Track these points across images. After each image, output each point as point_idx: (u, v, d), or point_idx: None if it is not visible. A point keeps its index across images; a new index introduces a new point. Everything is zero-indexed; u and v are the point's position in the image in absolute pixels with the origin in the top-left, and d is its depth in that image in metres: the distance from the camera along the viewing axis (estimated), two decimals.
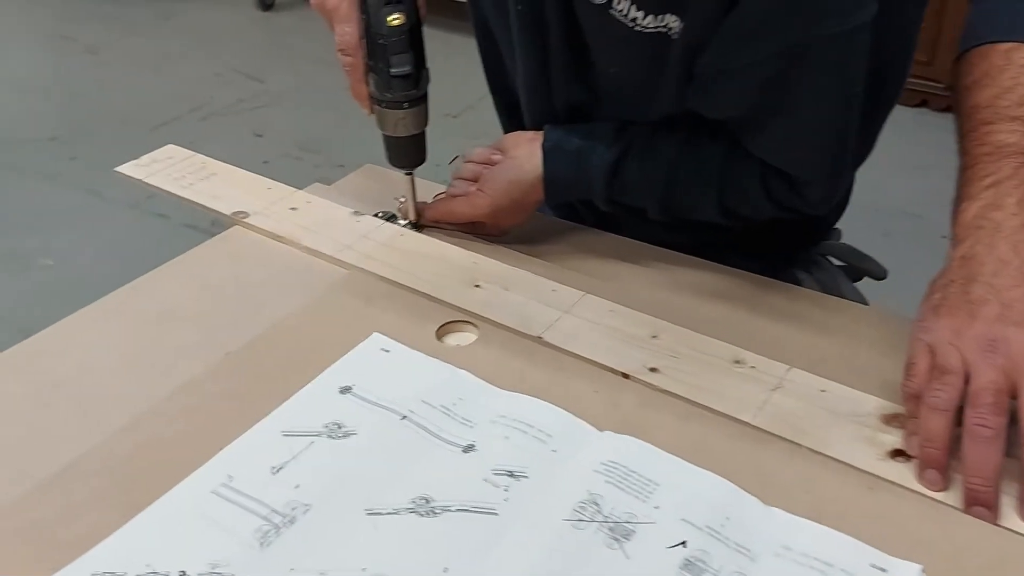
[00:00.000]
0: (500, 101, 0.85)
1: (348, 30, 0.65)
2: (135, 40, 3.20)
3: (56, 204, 2.32)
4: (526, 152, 0.72)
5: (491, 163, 0.74)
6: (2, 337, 1.82)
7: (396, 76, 0.65)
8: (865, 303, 0.80)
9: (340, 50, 0.66)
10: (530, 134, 0.74)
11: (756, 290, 0.70)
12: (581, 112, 0.74)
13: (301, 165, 2.46)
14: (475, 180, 0.74)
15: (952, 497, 0.49)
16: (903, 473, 0.51)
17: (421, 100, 0.68)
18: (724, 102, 0.64)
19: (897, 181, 2.39)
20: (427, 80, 0.68)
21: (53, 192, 2.35)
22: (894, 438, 0.54)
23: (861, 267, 0.85)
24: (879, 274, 0.86)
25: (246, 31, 3.32)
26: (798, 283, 0.80)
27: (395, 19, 0.63)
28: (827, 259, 0.86)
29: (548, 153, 0.71)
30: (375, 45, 0.65)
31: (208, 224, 2.15)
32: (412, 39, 0.65)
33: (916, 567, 0.44)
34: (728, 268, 0.72)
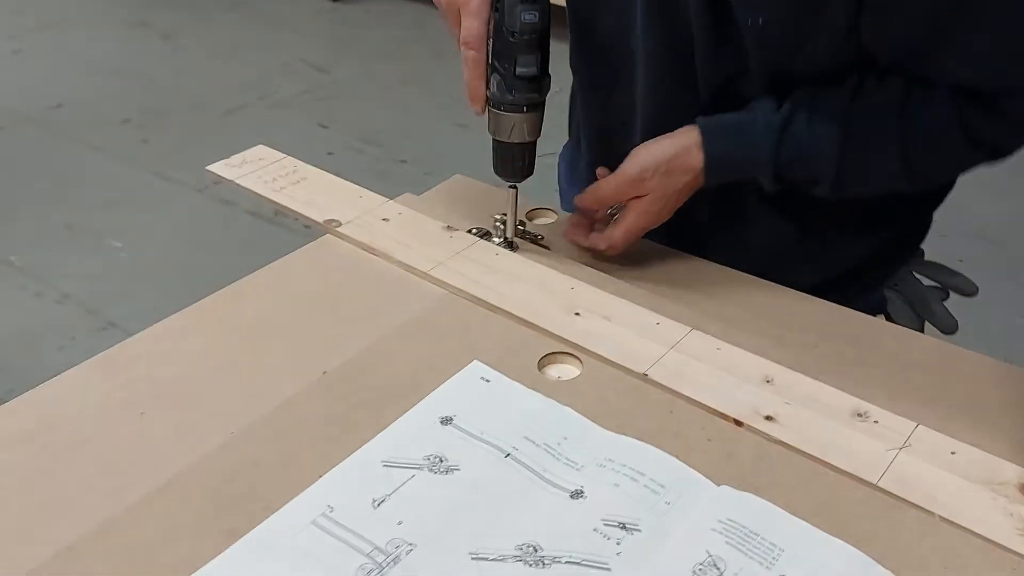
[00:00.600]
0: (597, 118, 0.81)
1: (476, 24, 0.63)
2: (207, 27, 3.23)
3: (126, 186, 2.36)
4: (670, 149, 0.67)
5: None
6: (73, 317, 1.87)
7: (521, 77, 0.63)
8: (955, 322, 0.78)
9: (464, 43, 0.64)
10: (664, 137, 0.68)
11: (871, 331, 0.66)
12: (726, 93, 0.67)
13: (364, 158, 2.46)
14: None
15: None
16: None
17: (540, 106, 0.66)
18: (905, 23, 0.58)
19: (978, 202, 2.30)
20: (548, 87, 0.66)
21: (124, 174, 2.38)
22: None
23: (950, 284, 0.81)
24: (969, 290, 0.81)
25: (314, 21, 3.33)
26: (885, 301, 0.79)
27: (530, 18, 0.61)
28: (914, 275, 0.82)
29: (707, 131, 0.66)
30: (505, 43, 0.63)
31: (272, 213, 2.17)
32: (541, 41, 0.63)
33: None
34: (841, 307, 0.68)
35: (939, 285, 0.82)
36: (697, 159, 0.67)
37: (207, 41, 3.14)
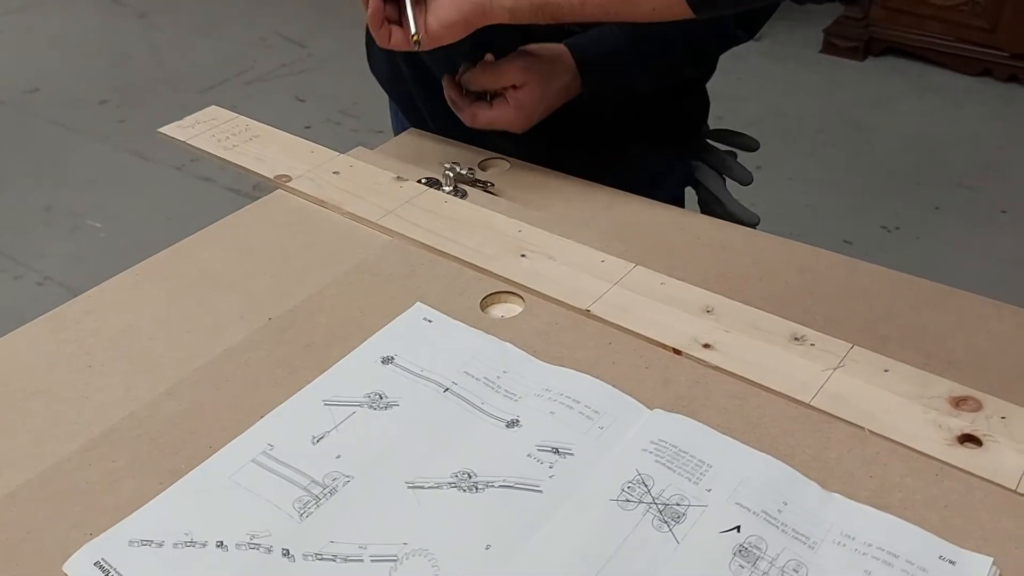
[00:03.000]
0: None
1: None
2: (183, 4, 3.20)
3: (104, 166, 2.35)
4: (548, 51, 0.76)
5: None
6: (52, 296, 1.87)
7: None
8: (750, 175, 0.93)
9: None
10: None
11: (814, 262, 0.67)
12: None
13: (341, 130, 2.45)
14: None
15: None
16: (973, 460, 0.48)
17: None
18: None
19: (952, 153, 2.30)
20: None
21: (102, 154, 2.38)
22: (963, 422, 0.51)
23: (736, 142, 0.95)
24: (752, 146, 0.95)
25: None
26: (694, 171, 0.93)
27: None
28: (708, 142, 0.95)
29: (571, 43, 0.76)
30: None
31: (250, 188, 2.16)
32: None
33: (987, 560, 0.41)
34: (788, 240, 0.69)
35: (730, 148, 0.95)
36: (570, 61, 0.76)
37: (183, 18, 3.12)
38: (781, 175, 2.18)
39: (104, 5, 3.25)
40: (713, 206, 0.96)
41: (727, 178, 0.96)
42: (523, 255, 0.66)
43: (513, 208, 0.73)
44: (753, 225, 0.93)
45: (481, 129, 0.78)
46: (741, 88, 2.49)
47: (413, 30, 0.70)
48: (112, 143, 2.42)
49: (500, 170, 0.81)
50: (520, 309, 0.61)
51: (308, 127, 2.40)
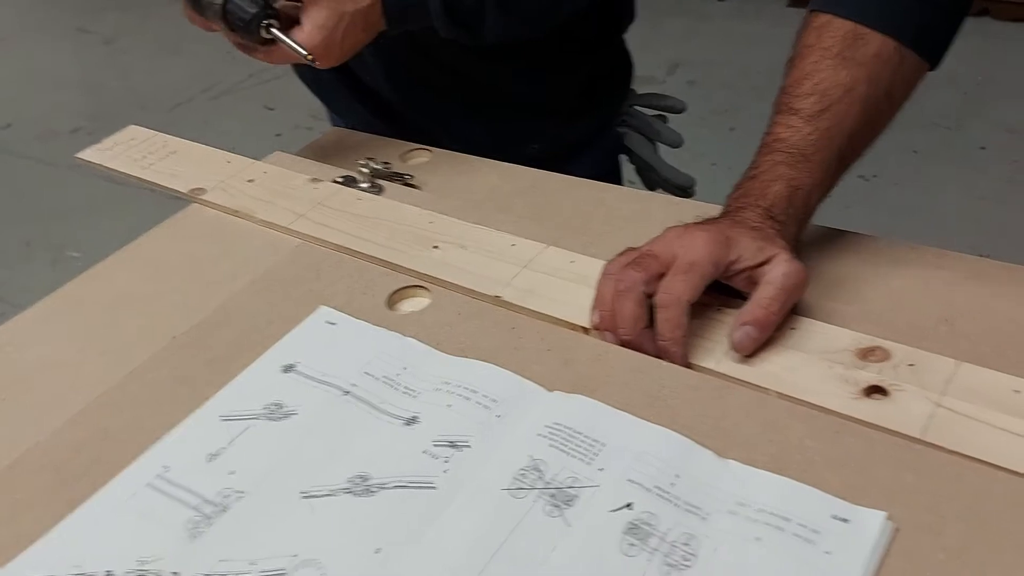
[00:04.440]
0: None
1: None
2: (147, 26, 3.20)
3: (80, 195, 2.35)
4: None
5: None
6: None
7: None
8: (679, 136, 0.92)
9: None
10: None
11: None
12: None
13: (313, 135, 2.42)
14: None
15: (928, 435, 0.45)
16: (878, 411, 0.47)
17: None
18: None
19: (926, 92, 2.26)
20: None
21: (77, 183, 2.38)
22: (870, 374, 0.49)
23: (663, 105, 0.95)
24: (678, 107, 0.95)
25: None
26: (623, 138, 0.93)
27: None
28: (636, 108, 0.94)
29: None
30: None
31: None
32: None
33: (880, 514, 0.40)
34: (711, 205, 0.67)
35: (658, 111, 0.95)
36: None
37: (148, 39, 3.11)
38: (756, 133, 2.15)
39: (70, 35, 3.25)
40: (647, 172, 0.94)
41: (660, 143, 0.94)
42: (435, 247, 0.65)
43: (429, 199, 0.72)
44: (688, 188, 0.91)
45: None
46: (711, 51, 2.45)
47: (304, 52, 0.69)
48: (86, 171, 2.40)
49: (421, 161, 0.80)
50: (428, 302, 0.60)
51: (279, 135, 2.39)
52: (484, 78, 0.85)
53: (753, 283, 0.52)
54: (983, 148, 2.04)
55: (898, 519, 0.41)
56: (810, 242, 0.62)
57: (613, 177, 0.96)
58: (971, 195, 1.88)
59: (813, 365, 0.50)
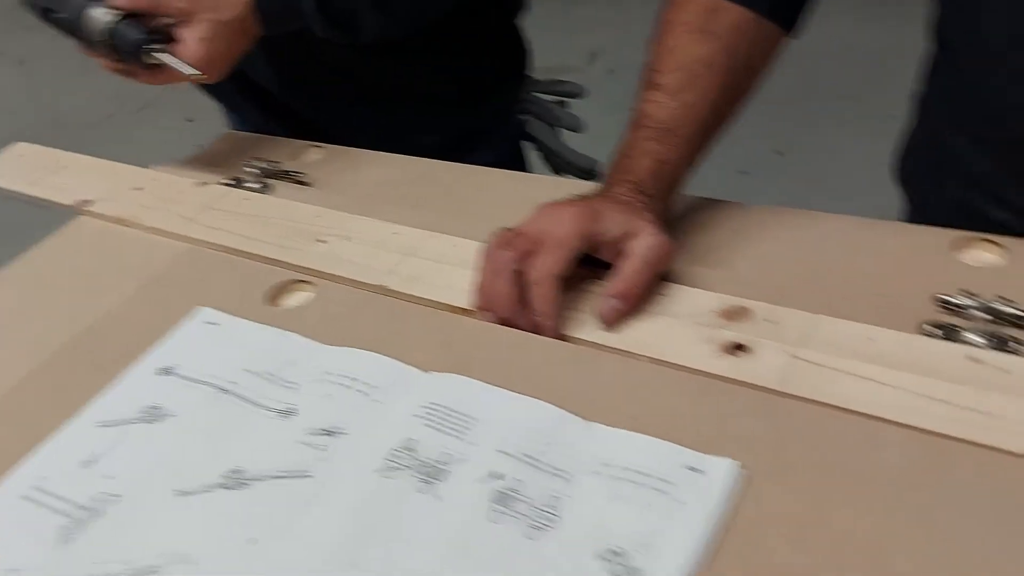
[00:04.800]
0: None
1: None
2: (61, 45, 3.12)
3: (1, 222, 2.29)
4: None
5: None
6: None
7: None
8: (579, 120, 0.94)
9: None
10: None
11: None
12: None
13: None
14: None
15: (785, 386, 0.47)
16: (739, 367, 0.49)
17: None
18: None
19: (829, 64, 2.31)
20: None
21: None
22: (733, 333, 0.51)
23: (561, 90, 0.98)
24: (576, 92, 0.97)
25: None
26: (524, 125, 0.94)
27: None
28: (534, 95, 0.96)
29: None
30: None
31: None
32: None
33: (728, 462, 0.42)
34: (586, 184, 0.69)
35: (556, 96, 0.97)
36: None
37: (63, 59, 3.02)
38: None
39: None
40: (552, 158, 0.96)
41: (561, 128, 0.96)
42: (321, 240, 0.65)
43: (319, 195, 0.72)
44: (591, 171, 0.93)
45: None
46: (630, 39, 2.48)
47: (190, 71, 0.69)
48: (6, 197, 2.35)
49: (315, 158, 0.80)
50: (312, 296, 0.60)
51: (199, 145, 2.35)
52: (373, 73, 0.86)
53: (621, 255, 0.53)
54: (893, 116, 2.10)
55: (750, 466, 0.42)
56: (684, 213, 0.63)
57: (517, 164, 0.97)
58: (881, 163, 1.94)
59: (680, 329, 0.52)
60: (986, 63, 0.55)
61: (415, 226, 0.65)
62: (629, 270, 0.52)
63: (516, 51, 0.94)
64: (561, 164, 0.94)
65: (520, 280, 0.53)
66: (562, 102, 0.96)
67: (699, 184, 0.63)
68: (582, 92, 0.97)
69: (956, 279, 0.53)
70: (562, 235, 0.52)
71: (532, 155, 0.99)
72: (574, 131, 0.95)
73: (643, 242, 0.52)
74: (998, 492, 0.39)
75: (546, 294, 0.51)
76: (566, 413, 0.46)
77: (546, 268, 0.51)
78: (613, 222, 0.53)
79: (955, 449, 0.42)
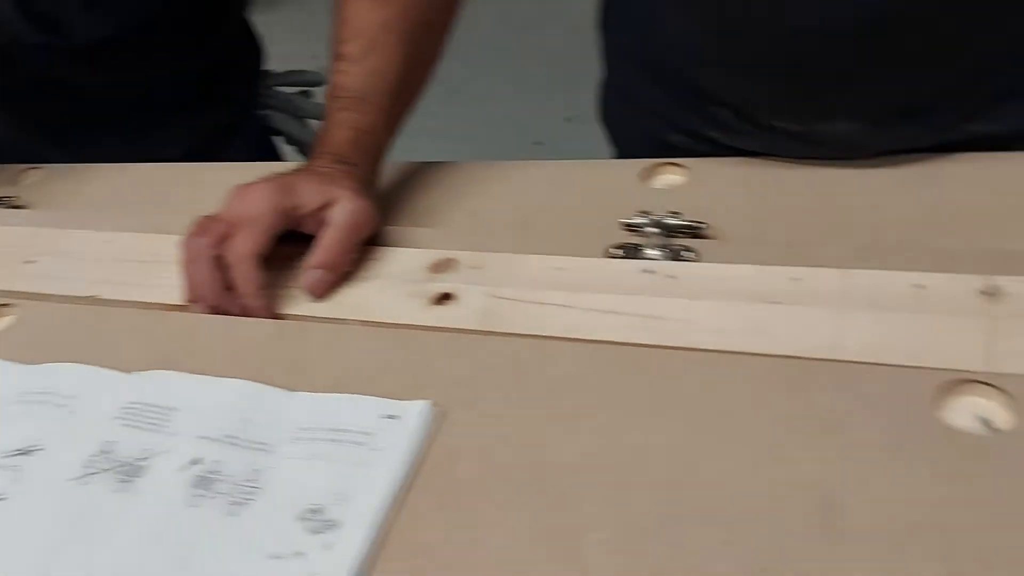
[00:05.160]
0: None
1: None
2: None
3: None
4: None
5: None
6: None
7: None
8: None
9: None
10: None
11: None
12: None
13: None
14: None
15: (486, 325, 0.49)
16: (445, 315, 0.50)
17: None
18: None
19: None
20: None
21: None
22: (440, 284, 0.52)
23: (303, 81, 0.97)
24: (318, 80, 0.95)
25: None
26: (269, 121, 0.93)
27: None
28: (275, 89, 0.95)
29: None
30: None
31: None
32: None
33: (422, 403, 0.43)
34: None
35: (298, 87, 0.96)
36: None
37: None
38: (469, 94, 2.21)
39: None
40: (305, 149, 0.95)
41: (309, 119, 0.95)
42: (29, 262, 0.61)
43: (35, 216, 0.68)
44: None
45: None
46: None
47: None
48: None
49: (32, 180, 0.76)
50: (14, 319, 0.57)
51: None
52: (94, 85, 0.81)
53: (323, 225, 0.53)
54: None
55: (446, 404, 0.43)
56: (403, 177, 0.65)
57: (271, 160, 0.95)
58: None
59: (389, 288, 0.53)
60: (646, 3, 0.59)
61: (135, 231, 0.62)
62: (328, 239, 0.52)
63: (249, 45, 0.93)
64: None
65: (222, 265, 0.52)
66: (305, 92, 0.95)
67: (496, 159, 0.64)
68: (324, 80, 0.96)
69: (646, 204, 0.56)
70: (255, 213, 0.51)
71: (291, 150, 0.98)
72: (321, 120, 0.94)
73: (341, 209, 0.53)
74: (657, 384, 0.42)
75: (246, 274, 0.51)
76: (267, 387, 0.46)
77: (243, 248, 0.51)
78: (309, 194, 0.53)
79: (623, 352, 0.45)
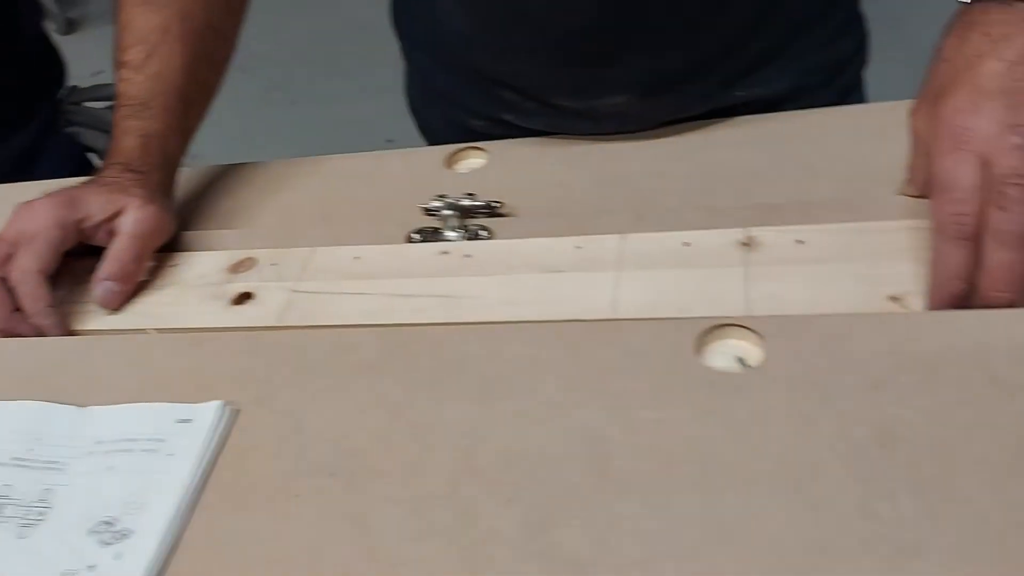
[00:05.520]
0: None
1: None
2: None
3: None
4: None
5: None
6: None
7: None
8: None
9: None
10: None
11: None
12: None
13: None
14: None
15: (284, 320, 0.49)
16: (244, 314, 0.50)
17: None
18: None
19: None
20: None
21: None
22: (239, 284, 0.52)
23: (109, 95, 0.89)
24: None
25: None
26: (78, 137, 0.88)
27: None
28: (86, 105, 0.90)
29: None
30: None
31: None
32: None
33: (215, 404, 0.43)
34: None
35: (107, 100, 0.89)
36: None
37: None
38: (314, 97, 2.19)
39: None
40: None
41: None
42: None
43: None
44: None
45: None
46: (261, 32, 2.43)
47: None
48: None
49: None
50: None
51: None
52: None
53: (113, 236, 0.52)
54: None
55: (240, 402, 0.44)
56: (207, 180, 0.64)
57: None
58: None
59: (187, 293, 0.52)
60: None
61: None
62: (117, 249, 0.51)
63: (48, 62, 0.89)
64: None
65: (8, 286, 0.50)
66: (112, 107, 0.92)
67: None
68: None
69: (449, 189, 0.58)
70: (37, 229, 0.50)
71: None
72: None
73: (130, 218, 0.52)
74: (449, 360, 0.44)
75: (32, 292, 0.49)
76: (56, 406, 0.45)
77: (25, 266, 0.49)
78: (96, 205, 0.52)
79: (418, 333, 0.46)
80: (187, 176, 0.64)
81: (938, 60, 0.44)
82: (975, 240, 0.40)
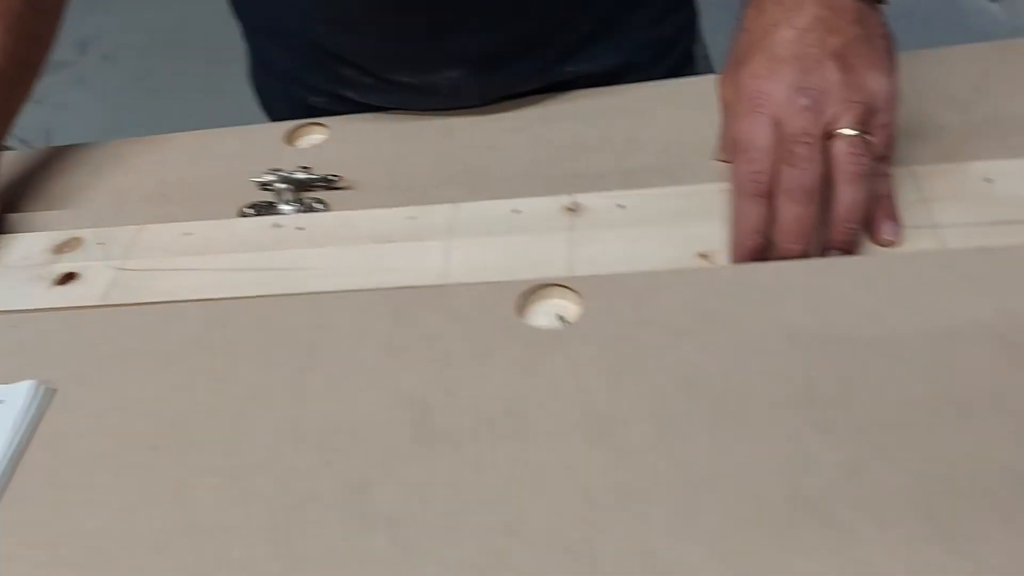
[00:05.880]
0: None
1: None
2: None
3: None
4: None
5: None
6: None
7: None
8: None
9: None
10: None
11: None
12: None
13: None
14: None
15: (109, 299, 0.48)
16: (69, 294, 0.49)
17: None
18: None
19: None
20: None
21: None
22: (64, 265, 0.51)
23: None
24: None
25: None
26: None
27: None
28: None
29: None
30: None
31: None
32: None
33: (27, 383, 0.42)
34: None
35: None
36: None
37: None
38: (175, 90, 2.11)
39: None
40: None
41: None
42: None
43: None
44: None
45: None
46: (118, 20, 2.33)
47: None
48: None
49: None
50: None
51: None
52: None
53: None
54: None
55: (59, 382, 0.43)
56: (39, 162, 0.61)
57: None
58: None
59: (10, 275, 0.50)
60: None
61: None
62: None
63: None
64: None
65: None
66: None
67: None
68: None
69: (287, 164, 0.57)
70: None
71: None
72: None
73: None
74: (275, 332, 0.44)
75: None
76: None
77: None
78: None
79: (246, 306, 0.46)
80: (17, 158, 0.62)
81: (739, 30, 0.47)
82: (770, 197, 0.43)
